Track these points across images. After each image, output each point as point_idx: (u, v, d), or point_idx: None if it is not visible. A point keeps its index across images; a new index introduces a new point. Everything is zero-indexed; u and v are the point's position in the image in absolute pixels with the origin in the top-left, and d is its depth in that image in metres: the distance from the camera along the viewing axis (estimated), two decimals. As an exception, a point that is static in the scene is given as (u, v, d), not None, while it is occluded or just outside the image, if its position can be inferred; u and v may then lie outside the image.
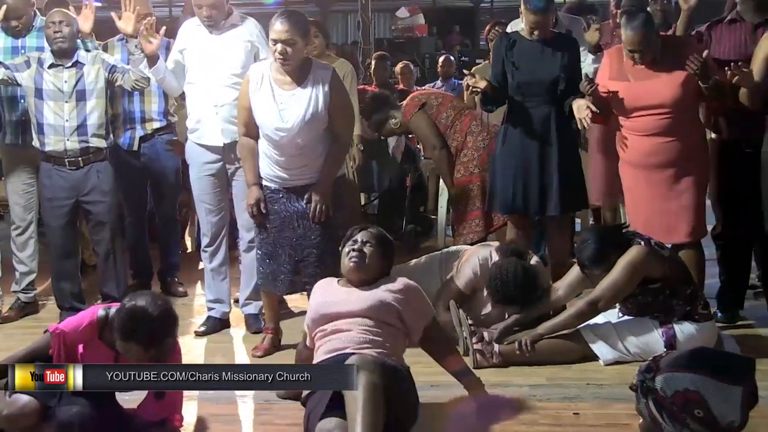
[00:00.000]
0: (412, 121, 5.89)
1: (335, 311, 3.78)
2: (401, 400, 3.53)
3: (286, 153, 4.49)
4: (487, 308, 4.84)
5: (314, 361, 3.75)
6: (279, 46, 4.37)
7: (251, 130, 4.57)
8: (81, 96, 5.08)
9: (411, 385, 3.69)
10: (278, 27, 4.37)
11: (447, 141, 5.79)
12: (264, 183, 4.57)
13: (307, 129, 4.46)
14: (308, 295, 4.35)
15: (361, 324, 3.71)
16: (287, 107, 4.45)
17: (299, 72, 4.48)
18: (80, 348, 3.62)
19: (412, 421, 3.64)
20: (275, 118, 4.45)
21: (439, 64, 10.33)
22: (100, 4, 5.71)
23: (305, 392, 3.68)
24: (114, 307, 3.65)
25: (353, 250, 3.84)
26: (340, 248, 3.95)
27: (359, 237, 3.89)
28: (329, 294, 3.90)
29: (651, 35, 4.60)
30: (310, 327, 3.87)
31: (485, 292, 4.79)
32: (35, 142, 5.15)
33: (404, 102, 6.12)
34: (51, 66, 5.08)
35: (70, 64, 5.10)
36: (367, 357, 3.46)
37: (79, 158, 5.11)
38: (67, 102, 5.07)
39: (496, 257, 4.76)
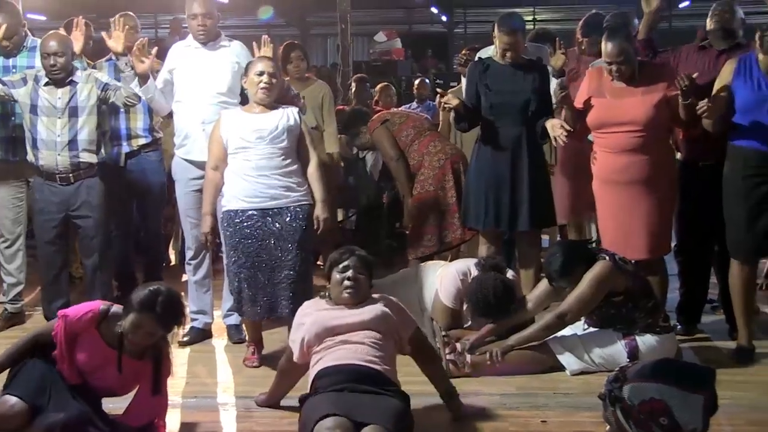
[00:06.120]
0: (374, 134, 6.16)
1: (340, 323, 3.88)
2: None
3: (262, 165, 4.65)
4: (468, 322, 5.00)
5: (316, 370, 3.82)
6: (265, 77, 4.68)
7: (220, 164, 4.75)
8: (73, 112, 5.18)
9: (407, 408, 3.78)
10: (266, 62, 4.76)
11: (406, 157, 6.02)
12: (238, 208, 4.68)
13: (283, 137, 4.68)
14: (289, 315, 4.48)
15: (370, 337, 3.84)
16: (264, 120, 4.70)
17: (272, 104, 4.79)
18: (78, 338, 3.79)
19: None
20: (254, 128, 4.67)
21: (415, 86, 10.45)
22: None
23: (301, 394, 3.84)
24: (115, 307, 3.82)
25: (348, 279, 3.95)
26: (326, 271, 4.08)
27: (350, 263, 3.99)
28: (326, 312, 3.97)
29: (630, 51, 4.80)
30: (310, 342, 3.90)
31: (465, 306, 4.95)
32: (29, 157, 5.25)
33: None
34: (47, 84, 5.19)
35: (64, 83, 5.19)
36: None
37: (70, 174, 5.20)
38: (59, 118, 5.16)
39: (475, 272, 4.91)
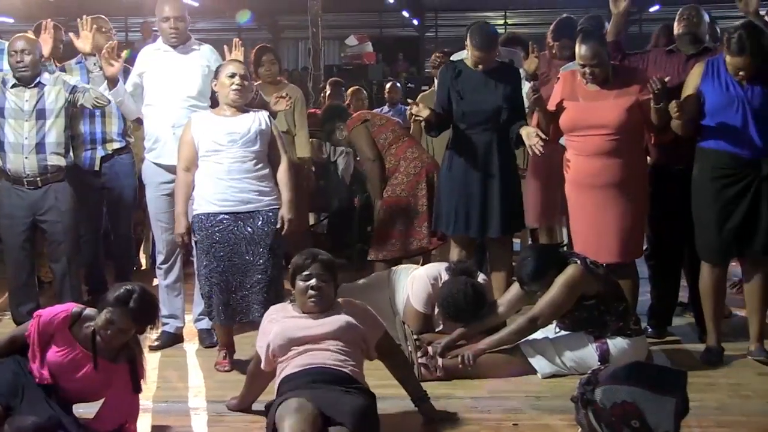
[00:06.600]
0: (353, 132, 6.15)
1: (304, 335, 3.86)
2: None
3: (234, 169, 4.64)
4: (440, 326, 5.01)
5: (283, 375, 3.83)
6: (237, 79, 4.67)
7: (191, 165, 4.72)
8: (41, 115, 5.16)
9: (373, 406, 3.79)
10: (237, 65, 4.77)
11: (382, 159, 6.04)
12: (209, 211, 4.66)
13: (255, 141, 4.67)
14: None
15: (335, 344, 3.84)
16: (236, 123, 4.69)
17: (243, 108, 4.77)
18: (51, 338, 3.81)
19: None
20: (226, 131, 4.65)
21: (386, 90, 10.44)
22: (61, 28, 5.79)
23: (267, 401, 3.85)
24: (88, 309, 3.85)
25: (312, 288, 3.91)
26: (289, 277, 4.03)
27: (314, 271, 3.94)
28: (292, 320, 3.96)
29: (603, 54, 4.84)
30: (274, 352, 3.89)
31: (437, 310, 4.95)
32: (-3, 160, 5.22)
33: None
34: (14, 86, 5.16)
35: (32, 85, 5.17)
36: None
37: (38, 178, 5.18)
38: (26, 121, 5.14)
39: (445, 276, 4.92)
